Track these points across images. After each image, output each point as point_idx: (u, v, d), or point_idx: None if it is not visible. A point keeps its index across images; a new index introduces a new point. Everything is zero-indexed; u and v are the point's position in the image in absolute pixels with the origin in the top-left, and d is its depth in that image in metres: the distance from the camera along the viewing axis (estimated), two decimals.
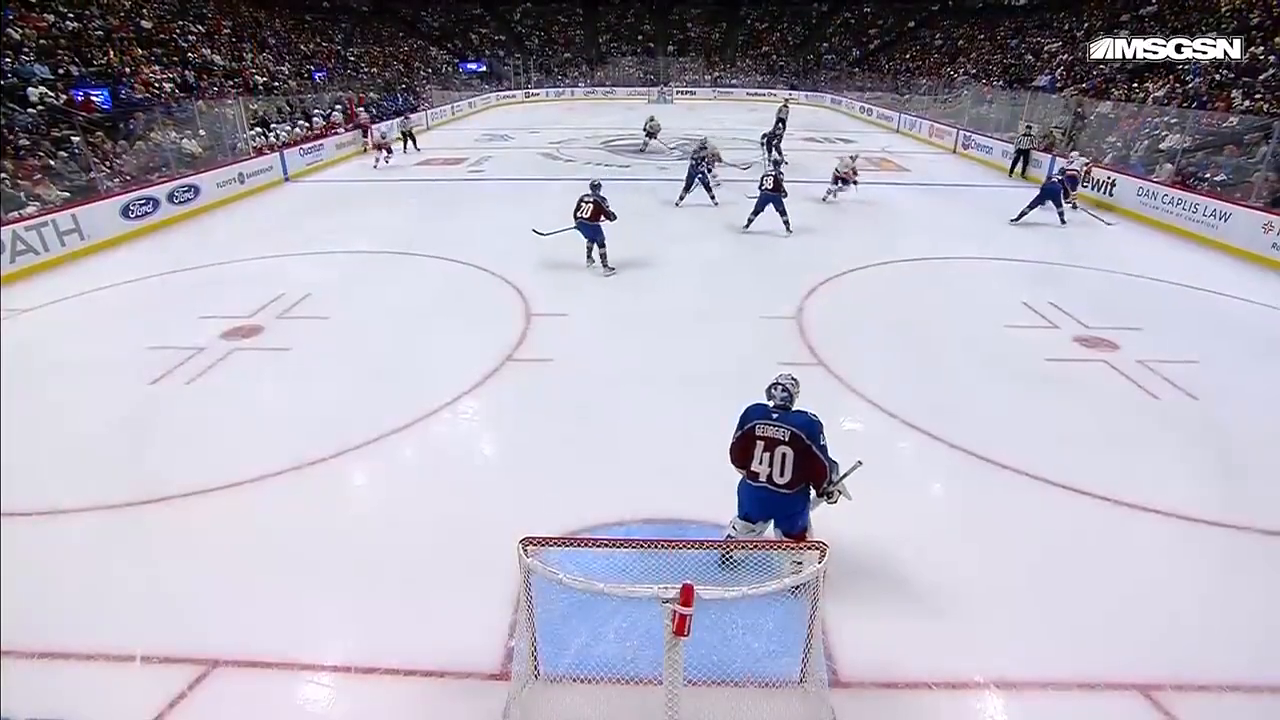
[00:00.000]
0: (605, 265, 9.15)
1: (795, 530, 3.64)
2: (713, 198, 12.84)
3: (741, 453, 3.61)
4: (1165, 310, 8.18)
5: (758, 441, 3.52)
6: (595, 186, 9.14)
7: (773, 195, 10.68)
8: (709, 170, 13.08)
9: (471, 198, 14.31)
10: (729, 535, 3.83)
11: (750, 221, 11.03)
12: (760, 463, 3.52)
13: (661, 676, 2.64)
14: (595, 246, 9.14)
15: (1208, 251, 10.67)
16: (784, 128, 18.25)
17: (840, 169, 13.34)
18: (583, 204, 8.93)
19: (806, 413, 3.56)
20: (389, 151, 18.35)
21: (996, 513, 4.63)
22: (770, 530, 3.77)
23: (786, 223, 10.96)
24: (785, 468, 3.47)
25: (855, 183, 13.40)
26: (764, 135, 17.44)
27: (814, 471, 3.49)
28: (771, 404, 3.60)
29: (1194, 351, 6.90)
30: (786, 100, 25.21)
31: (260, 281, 8.97)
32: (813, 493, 3.61)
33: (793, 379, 3.66)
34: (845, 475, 3.64)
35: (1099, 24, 23.47)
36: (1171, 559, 4.22)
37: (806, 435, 3.45)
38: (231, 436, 5.47)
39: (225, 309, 8.00)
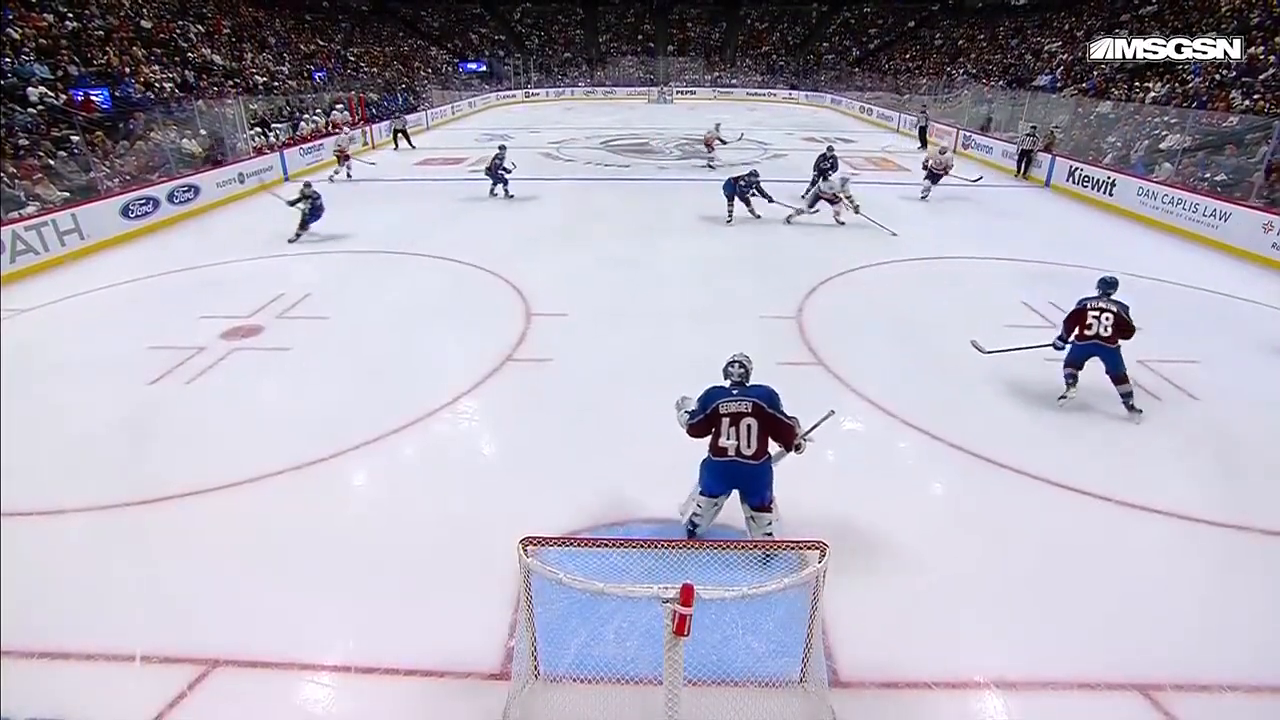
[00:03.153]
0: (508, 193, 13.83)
1: (764, 502, 3.83)
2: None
3: (704, 431, 3.80)
4: (1165, 310, 8.16)
5: (722, 419, 3.71)
6: (503, 148, 14.47)
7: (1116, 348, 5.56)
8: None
9: (471, 197, 14.30)
10: (694, 511, 4.02)
11: (1068, 389, 5.85)
12: (727, 438, 3.71)
13: (661, 676, 2.64)
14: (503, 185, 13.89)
15: (1208, 251, 10.67)
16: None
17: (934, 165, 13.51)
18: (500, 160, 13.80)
19: (763, 384, 3.82)
20: (345, 161, 16.05)
21: (996, 512, 4.63)
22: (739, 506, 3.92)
23: (1132, 404, 5.69)
24: (751, 439, 3.69)
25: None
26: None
27: (782, 434, 3.74)
28: (729, 382, 3.86)
29: (1194, 351, 6.89)
30: (925, 108, 22.62)
31: (260, 281, 8.97)
32: (777, 448, 3.83)
33: (746, 356, 3.93)
34: (815, 426, 3.90)
35: (1099, 24, 23.48)
36: (1171, 559, 4.22)
37: (768, 404, 3.70)
38: (231, 436, 5.47)
39: (225, 309, 8.00)
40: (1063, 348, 5.86)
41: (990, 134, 19.43)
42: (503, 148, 14.59)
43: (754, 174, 12.04)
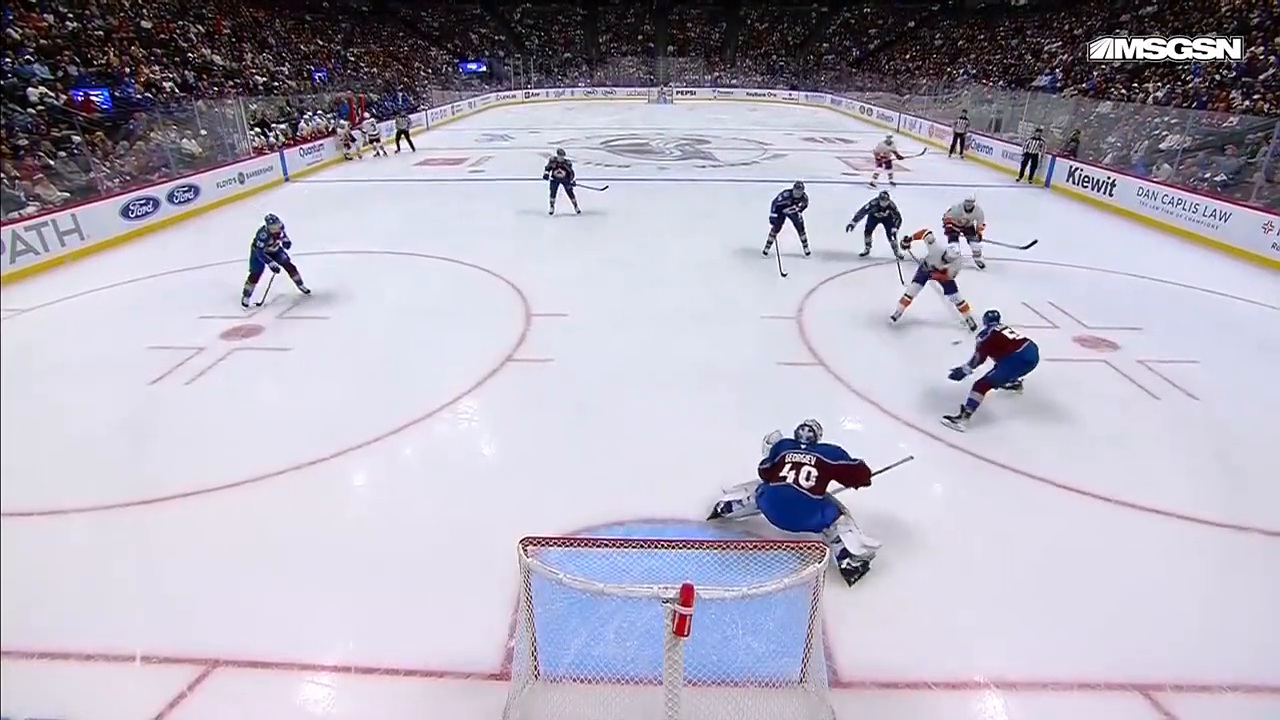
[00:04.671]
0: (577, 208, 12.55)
1: (826, 523, 3.99)
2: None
3: (771, 476, 4.10)
4: (1165, 310, 8.17)
5: (786, 464, 4.04)
6: (561, 152, 12.59)
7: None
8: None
9: (472, 198, 14.31)
10: (737, 499, 4.27)
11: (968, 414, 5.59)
12: (787, 470, 4.01)
13: (661, 676, 2.64)
14: (568, 194, 12.45)
15: (1208, 251, 10.67)
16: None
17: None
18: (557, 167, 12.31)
19: (830, 444, 4.14)
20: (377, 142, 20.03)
21: (996, 513, 4.63)
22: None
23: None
24: (810, 476, 3.97)
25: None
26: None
27: (853, 477, 4.02)
28: (799, 440, 4.19)
29: (1194, 351, 6.89)
30: (966, 113, 19.61)
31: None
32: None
33: (816, 422, 4.25)
34: (891, 467, 4.19)
35: (1099, 24, 23.47)
36: (1171, 559, 4.22)
37: (829, 458, 4.02)
38: (231, 437, 5.47)
39: (225, 309, 8.01)
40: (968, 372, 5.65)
41: (990, 134, 19.42)
42: (561, 151, 12.64)
43: (799, 185, 9.65)
